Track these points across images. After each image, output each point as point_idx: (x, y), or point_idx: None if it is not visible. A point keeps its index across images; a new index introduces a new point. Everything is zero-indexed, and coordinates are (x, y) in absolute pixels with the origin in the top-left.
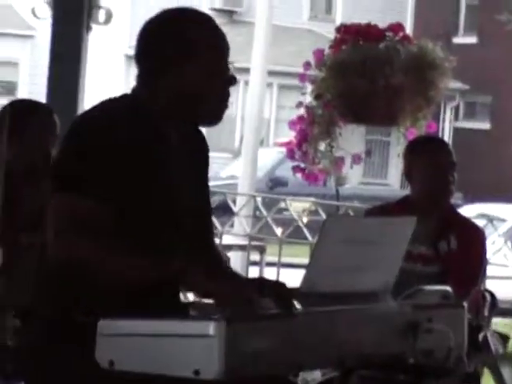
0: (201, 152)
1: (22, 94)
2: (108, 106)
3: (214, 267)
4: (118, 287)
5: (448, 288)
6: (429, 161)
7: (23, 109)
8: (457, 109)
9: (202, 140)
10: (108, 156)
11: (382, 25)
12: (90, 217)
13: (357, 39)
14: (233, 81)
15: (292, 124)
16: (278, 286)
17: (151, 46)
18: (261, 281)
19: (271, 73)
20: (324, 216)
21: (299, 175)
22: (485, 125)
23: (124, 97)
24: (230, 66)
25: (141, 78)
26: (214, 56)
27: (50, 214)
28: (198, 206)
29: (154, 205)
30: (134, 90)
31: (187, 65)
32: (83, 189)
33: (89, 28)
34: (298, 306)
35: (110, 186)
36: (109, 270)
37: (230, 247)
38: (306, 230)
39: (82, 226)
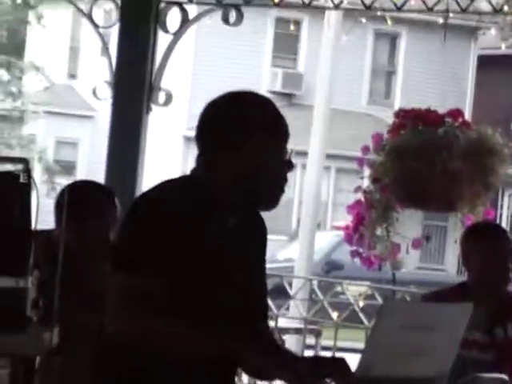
0: (259, 235)
1: (81, 174)
2: (166, 187)
3: (270, 347)
4: (174, 365)
5: (505, 376)
6: (487, 248)
7: (85, 190)
8: None
9: (261, 224)
10: (163, 234)
11: (441, 110)
12: (147, 294)
13: (416, 124)
14: (290, 166)
15: (350, 208)
16: (337, 361)
17: (211, 128)
18: (317, 358)
19: (329, 156)
20: (380, 300)
21: (357, 259)
22: None
23: (183, 178)
24: (289, 152)
25: (200, 159)
26: (272, 139)
27: (108, 293)
28: (250, 288)
29: (204, 285)
30: (193, 171)
31: (245, 147)
32: (140, 268)
33: (149, 109)
34: None
35: (165, 265)
36: (164, 344)
37: (285, 330)
38: (361, 315)
39: (140, 304)
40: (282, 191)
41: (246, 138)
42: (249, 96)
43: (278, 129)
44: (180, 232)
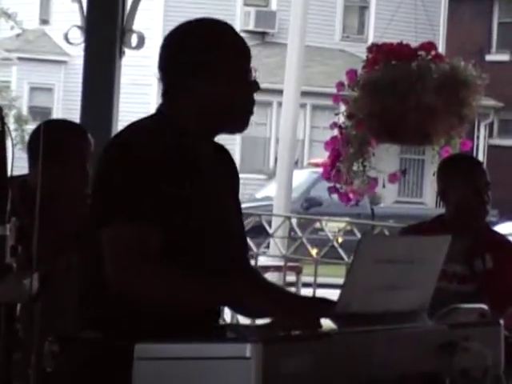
0: (230, 170)
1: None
2: (138, 128)
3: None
4: (162, 313)
5: (484, 306)
6: (464, 182)
7: (59, 128)
8: (491, 126)
9: (230, 159)
10: (146, 178)
11: (414, 44)
12: (149, 243)
13: (389, 59)
14: (255, 86)
15: (326, 144)
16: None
17: (172, 59)
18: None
19: (304, 93)
20: (359, 236)
21: (335, 196)
22: None
23: (152, 117)
24: (253, 72)
25: (165, 93)
26: (234, 62)
27: (108, 245)
28: (234, 227)
29: (194, 225)
30: (160, 107)
31: (207, 74)
32: (136, 216)
33: (121, 52)
34: (334, 326)
35: (157, 207)
36: (177, 302)
37: (266, 268)
38: (341, 250)
39: (146, 257)
40: (250, 112)
41: (207, 62)
42: (207, 22)
43: (237, 50)
44: (161, 173)
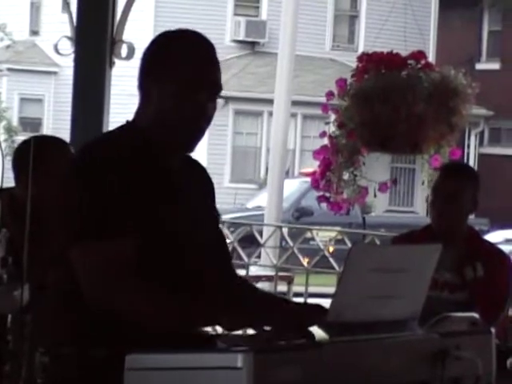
0: (204, 182)
1: (47, 130)
2: (105, 139)
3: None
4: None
5: (475, 314)
6: (434, 190)
7: (41, 143)
8: (481, 135)
9: (202, 171)
10: (119, 190)
11: (404, 53)
12: (123, 259)
13: (379, 68)
14: (203, 109)
15: (316, 154)
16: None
17: (140, 68)
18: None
19: (295, 103)
20: (350, 245)
21: (324, 205)
22: (510, 150)
23: (120, 127)
24: (214, 97)
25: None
26: (185, 78)
27: (81, 263)
28: (209, 239)
29: (167, 238)
30: (134, 117)
31: (159, 84)
32: (108, 233)
33: (111, 63)
34: (325, 335)
35: (128, 223)
36: (151, 322)
37: (257, 278)
38: (332, 260)
39: (121, 272)
40: (192, 134)
41: (160, 73)
42: (174, 33)
43: (195, 67)
44: (129, 181)
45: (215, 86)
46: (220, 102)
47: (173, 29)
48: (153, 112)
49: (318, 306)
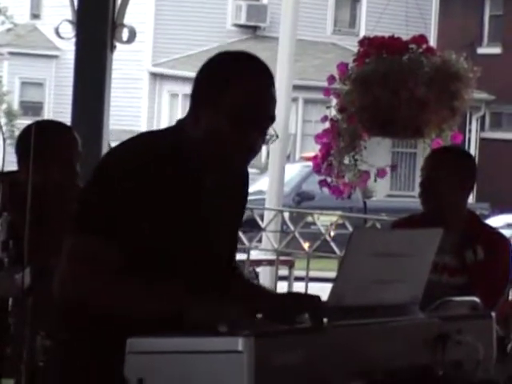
0: (237, 194)
1: (48, 114)
2: (139, 143)
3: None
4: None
5: (476, 299)
6: (424, 175)
7: (45, 127)
8: (483, 119)
9: (242, 183)
10: (136, 198)
11: (405, 37)
12: (108, 260)
13: (380, 52)
14: (250, 137)
15: (318, 138)
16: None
17: (194, 83)
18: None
19: (296, 87)
20: (351, 229)
21: (325, 189)
22: (511, 135)
23: (162, 132)
24: (267, 126)
25: (187, 114)
26: (236, 102)
27: (66, 253)
28: (222, 251)
29: (183, 249)
30: (177, 123)
31: (211, 105)
32: (109, 233)
33: (112, 46)
34: (325, 319)
35: (136, 229)
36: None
37: (258, 262)
38: (333, 244)
39: (103, 271)
40: (250, 152)
41: (218, 91)
42: (236, 54)
43: (247, 92)
44: (152, 194)
45: (267, 120)
46: (271, 135)
47: (229, 51)
48: (202, 126)
49: (309, 296)
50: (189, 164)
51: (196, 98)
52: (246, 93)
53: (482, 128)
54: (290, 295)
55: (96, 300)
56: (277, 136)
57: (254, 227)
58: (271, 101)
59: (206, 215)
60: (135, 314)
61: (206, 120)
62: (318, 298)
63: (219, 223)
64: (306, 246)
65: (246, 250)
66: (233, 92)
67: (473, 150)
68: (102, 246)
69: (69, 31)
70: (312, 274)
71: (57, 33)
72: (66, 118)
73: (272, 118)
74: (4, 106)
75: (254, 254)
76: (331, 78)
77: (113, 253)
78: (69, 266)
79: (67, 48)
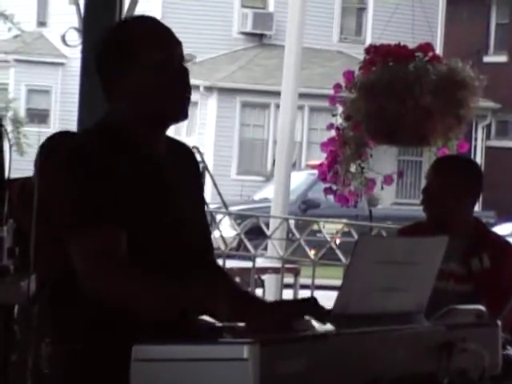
0: (190, 164)
1: (54, 121)
2: (81, 135)
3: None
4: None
5: (481, 307)
6: (428, 182)
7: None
8: (489, 128)
9: (189, 153)
10: (107, 183)
11: (411, 45)
12: (114, 247)
13: (386, 60)
14: (182, 71)
15: (323, 146)
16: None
17: (99, 62)
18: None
19: (302, 95)
20: (357, 237)
21: (331, 197)
22: None
23: (96, 123)
24: (182, 56)
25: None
26: (153, 51)
27: (78, 251)
28: (196, 220)
29: (153, 224)
30: (106, 116)
31: (130, 70)
32: (102, 221)
33: None
34: (331, 327)
35: (119, 213)
36: (144, 308)
37: (263, 270)
38: (338, 252)
39: (116, 261)
40: (185, 98)
41: (127, 58)
42: (130, 19)
43: (155, 39)
44: (111, 174)
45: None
46: (189, 57)
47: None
48: (127, 99)
49: (303, 299)
50: (138, 145)
51: (105, 73)
52: (157, 47)
53: (488, 136)
54: (286, 303)
55: (121, 294)
56: (194, 56)
57: (259, 235)
58: (179, 45)
59: (169, 185)
60: (159, 304)
61: (125, 88)
62: (313, 298)
63: (184, 198)
64: (311, 253)
65: (252, 258)
66: (143, 53)
67: (478, 159)
68: (113, 237)
69: (75, 39)
70: (318, 281)
71: (63, 40)
72: (72, 125)
73: (184, 58)
74: (10, 113)
75: (260, 262)
76: (337, 87)
77: (123, 242)
78: (86, 267)
79: (73, 55)
